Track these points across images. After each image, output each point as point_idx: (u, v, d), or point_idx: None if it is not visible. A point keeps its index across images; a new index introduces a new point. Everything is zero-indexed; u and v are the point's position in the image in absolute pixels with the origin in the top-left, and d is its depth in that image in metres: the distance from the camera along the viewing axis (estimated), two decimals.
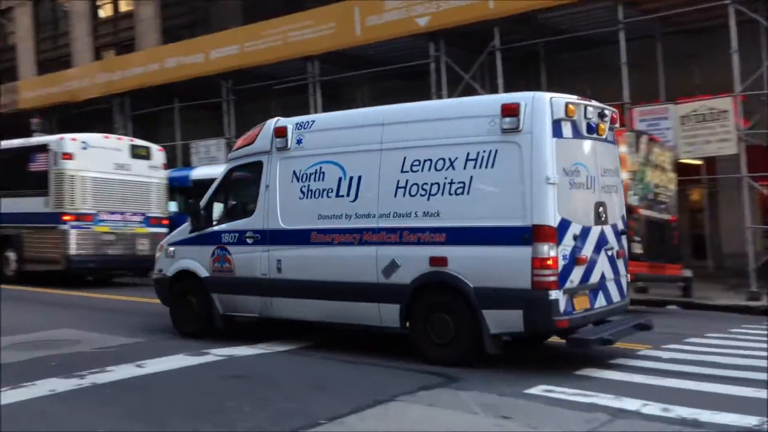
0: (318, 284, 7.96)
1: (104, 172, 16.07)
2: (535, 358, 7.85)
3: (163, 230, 17.32)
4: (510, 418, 5.34)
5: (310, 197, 8.15)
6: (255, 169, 8.74)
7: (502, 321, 6.84)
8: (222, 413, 5.52)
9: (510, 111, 6.85)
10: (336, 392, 6.25)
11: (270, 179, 8.51)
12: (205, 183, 17.48)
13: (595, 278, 7.20)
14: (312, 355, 8.02)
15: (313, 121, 8.57)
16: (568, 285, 6.78)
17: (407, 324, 7.49)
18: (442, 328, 7.17)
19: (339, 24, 20.08)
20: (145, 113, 27.48)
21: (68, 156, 15.53)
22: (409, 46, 19.50)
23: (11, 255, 16.80)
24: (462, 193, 7.06)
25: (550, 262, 6.59)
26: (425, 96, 17.55)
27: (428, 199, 7.25)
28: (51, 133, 28.97)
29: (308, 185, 8.18)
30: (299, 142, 8.39)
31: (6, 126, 31.53)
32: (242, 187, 9.78)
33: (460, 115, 7.38)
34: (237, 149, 9.36)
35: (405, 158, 7.45)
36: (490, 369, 6.94)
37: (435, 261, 7.16)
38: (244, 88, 23.92)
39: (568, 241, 6.81)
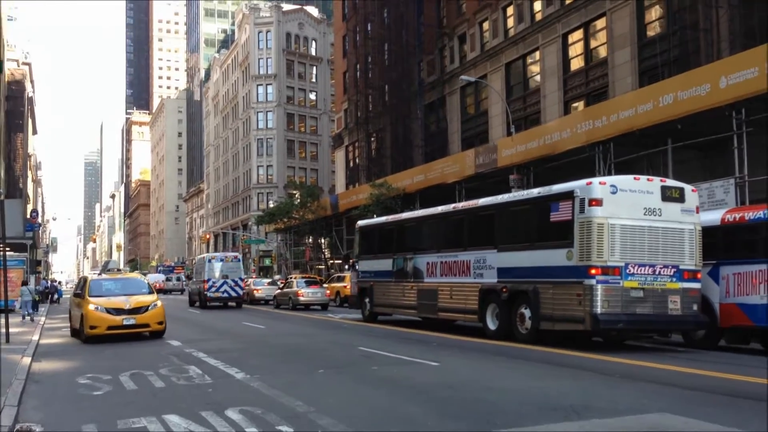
0: None
1: (633, 218, 13.91)
2: None
3: (697, 285, 14.45)
4: None
5: None
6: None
7: None
8: None
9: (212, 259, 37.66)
10: None
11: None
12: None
13: (221, 289, 35.59)
14: None
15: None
16: (211, 290, 35.47)
17: None
18: None
19: None
20: (627, 159, 25.29)
21: (596, 202, 13.76)
22: None
23: (526, 312, 15.68)
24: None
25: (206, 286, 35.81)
26: None
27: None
28: (527, 188, 28.81)
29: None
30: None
31: (484, 185, 32.70)
32: None
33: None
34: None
35: None
36: None
37: None
38: (760, 118, 20.10)
39: (211, 283, 35.43)
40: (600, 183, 13.99)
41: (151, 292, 19.17)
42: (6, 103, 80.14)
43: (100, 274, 24.15)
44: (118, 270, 30.84)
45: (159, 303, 18.43)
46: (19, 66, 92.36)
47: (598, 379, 10.27)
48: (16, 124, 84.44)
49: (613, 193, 13.83)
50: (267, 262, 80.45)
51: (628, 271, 13.79)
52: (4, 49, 71.93)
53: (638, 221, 13.94)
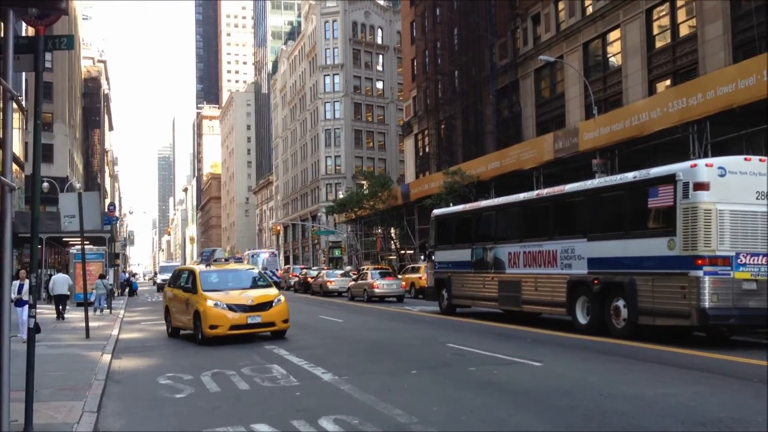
0: None
1: (745, 203, 12.66)
2: None
3: None
4: None
5: None
6: None
7: None
8: None
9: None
10: None
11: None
12: None
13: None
14: None
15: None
16: None
17: None
18: None
19: None
20: (725, 140, 23.63)
21: (702, 186, 12.57)
22: None
23: (621, 306, 14.60)
24: None
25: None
26: None
27: None
28: (611, 172, 27.38)
29: None
30: None
31: (564, 170, 31.38)
32: None
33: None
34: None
35: None
36: None
37: None
38: None
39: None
40: (706, 165, 12.78)
41: (269, 286, 16.99)
42: (83, 100, 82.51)
43: (208, 265, 20.30)
44: (226, 260, 27.86)
45: (282, 298, 16.28)
46: (94, 63, 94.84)
47: (736, 385, 9.11)
48: (93, 120, 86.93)
49: (722, 175, 12.61)
50: (337, 252, 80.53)
51: (739, 261, 12.58)
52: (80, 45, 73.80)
53: (750, 206, 12.69)
